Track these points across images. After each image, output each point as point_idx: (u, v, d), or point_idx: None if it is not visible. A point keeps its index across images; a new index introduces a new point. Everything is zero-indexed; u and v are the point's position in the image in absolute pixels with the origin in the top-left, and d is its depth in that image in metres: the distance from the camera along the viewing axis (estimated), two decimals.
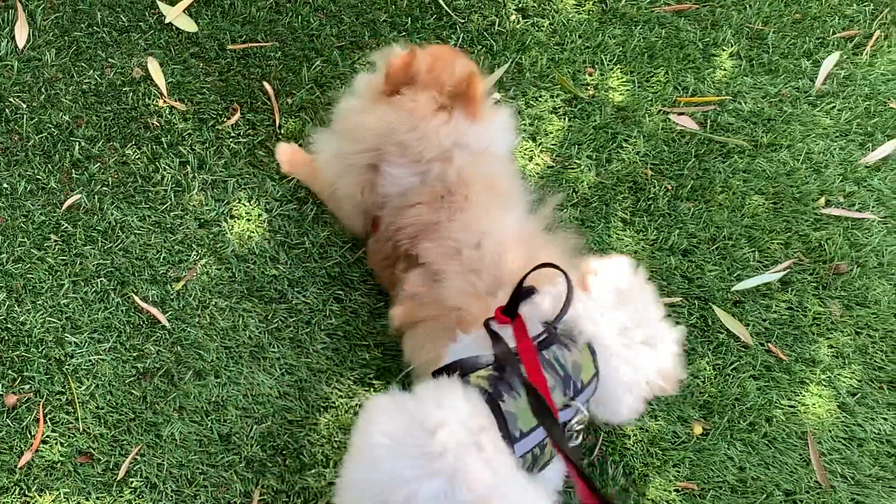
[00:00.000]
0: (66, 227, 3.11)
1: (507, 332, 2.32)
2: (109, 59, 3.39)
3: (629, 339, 2.36)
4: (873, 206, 3.33)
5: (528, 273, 2.34)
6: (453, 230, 2.64)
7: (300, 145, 3.26)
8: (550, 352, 2.31)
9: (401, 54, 2.71)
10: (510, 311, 2.32)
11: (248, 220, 3.17)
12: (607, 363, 2.35)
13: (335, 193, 2.94)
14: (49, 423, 2.86)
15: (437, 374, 2.30)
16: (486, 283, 2.56)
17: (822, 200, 3.33)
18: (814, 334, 3.11)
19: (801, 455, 2.96)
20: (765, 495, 2.90)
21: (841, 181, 3.37)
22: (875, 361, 3.08)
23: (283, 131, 3.31)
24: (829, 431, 2.99)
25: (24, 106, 3.29)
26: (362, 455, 2.15)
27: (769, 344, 3.09)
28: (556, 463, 2.34)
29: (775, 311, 3.14)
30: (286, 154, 3.23)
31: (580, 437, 2.35)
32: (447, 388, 2.17)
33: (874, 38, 3.65)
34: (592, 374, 2.34)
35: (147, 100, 3.33)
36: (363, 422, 2.20)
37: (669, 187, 3.32)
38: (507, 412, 2.16)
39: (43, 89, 3.32)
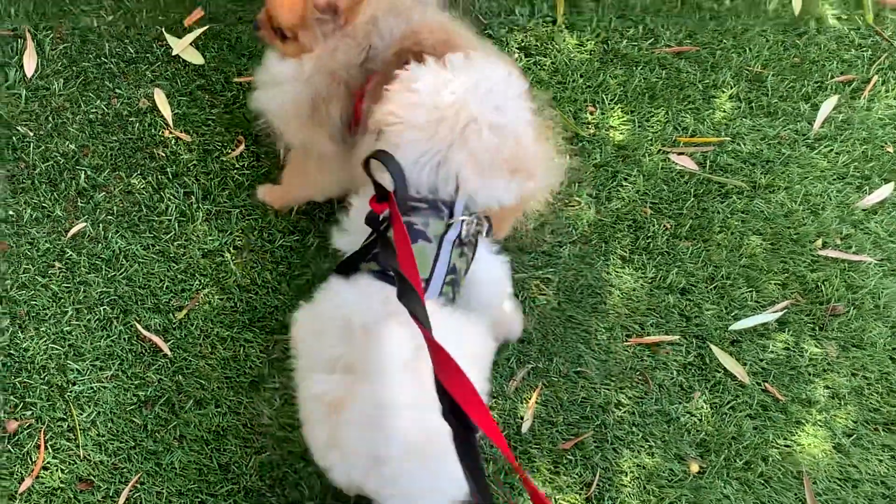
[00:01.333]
0: (71, 255, 3.14)
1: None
2: (116, 90, 3.43)
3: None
4: (870, 249, 3.36)
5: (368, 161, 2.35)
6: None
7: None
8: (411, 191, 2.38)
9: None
10: (381, 195, 2.32)
11: (251, 250, 3.20)
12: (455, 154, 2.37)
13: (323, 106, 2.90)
14: (50, 450, 2.87)
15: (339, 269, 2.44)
16: None
17: (820, 242, 3.36)
18: (810, 375, 3.14)
19: (796, 495, 2.98)
20: None
21: (838, 223, 3.40)
22: (870, 403, 3.11)
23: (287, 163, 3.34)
24: (825, 472, 3.01)
25: (32, 134, 3.32)
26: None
27: (766, 383, 3.11)
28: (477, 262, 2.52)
29: (772, 351, 3.16)
30: (268, 195, 3.28)
31: (481, 234, 2.50)
32: (346, 288, 2.33)
33: (872, 83, 3.70)
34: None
35: (153, 130, 3.36)
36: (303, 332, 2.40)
37: (668, 226, 3.36)
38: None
39: (50, 118, 3.36)
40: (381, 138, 2.42)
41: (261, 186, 3.29)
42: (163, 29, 3.55)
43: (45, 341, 3.01)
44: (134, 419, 2.93)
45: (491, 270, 2.65)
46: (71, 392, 2.94)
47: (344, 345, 2.22)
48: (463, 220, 2.40)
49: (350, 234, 2.59)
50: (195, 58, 3.50)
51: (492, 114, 2.33)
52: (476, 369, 2.24)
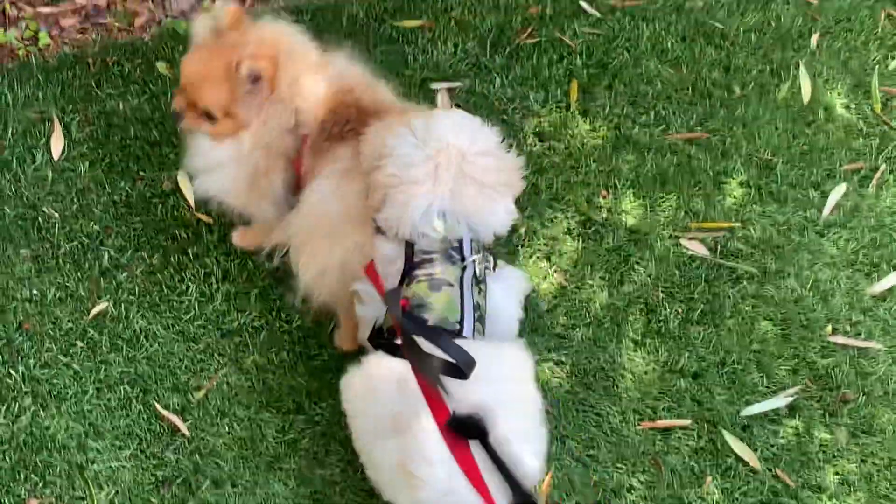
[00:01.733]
0: (93, 335, 3.19)
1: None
2: (140, 172, 3.51)
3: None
4: (879, 336, 3.39)
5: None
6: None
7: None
8: (419, 254, 2.63)
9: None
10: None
11: (269, 331, 3.25)
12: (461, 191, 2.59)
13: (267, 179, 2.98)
14: None
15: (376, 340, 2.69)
16: None
17: (829, 328, 3.39)
18: (820, 461, 3.15)
19: None
20: None
21: (847, 310, 3.44)
22: (880, 489, 3.12)
23: None
24: None
25: (57, 215, 3.40)
26: (365, 415, 2.62)
27: (777, 469, 3.12)
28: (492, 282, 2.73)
29: (783, 437, 3.18)
30: (242, 239, 3.40)
31: (491, 264, 2.73)
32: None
33: (880, 171, 3.76)
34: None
35: (175, 212, 3.44)
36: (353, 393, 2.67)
37: (680, 311, 3.40)
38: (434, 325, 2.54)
39: (75, 199, 3.44)
40: (386, 201, 2.61)
41: (234, 231, 3.40)
42: None
43: (66, 420, 3.05)
44: (151, 499, 2.96)
45: (500, 300, 2.78)
46: (90, 471, 2.98)
47: (401, 402, 2.44)
48: (474, 260, 2.62)
49: (371, 305, 2.76)
50: None
51: (474, 145, 2.59)
52: (527, 390, 2.58)
